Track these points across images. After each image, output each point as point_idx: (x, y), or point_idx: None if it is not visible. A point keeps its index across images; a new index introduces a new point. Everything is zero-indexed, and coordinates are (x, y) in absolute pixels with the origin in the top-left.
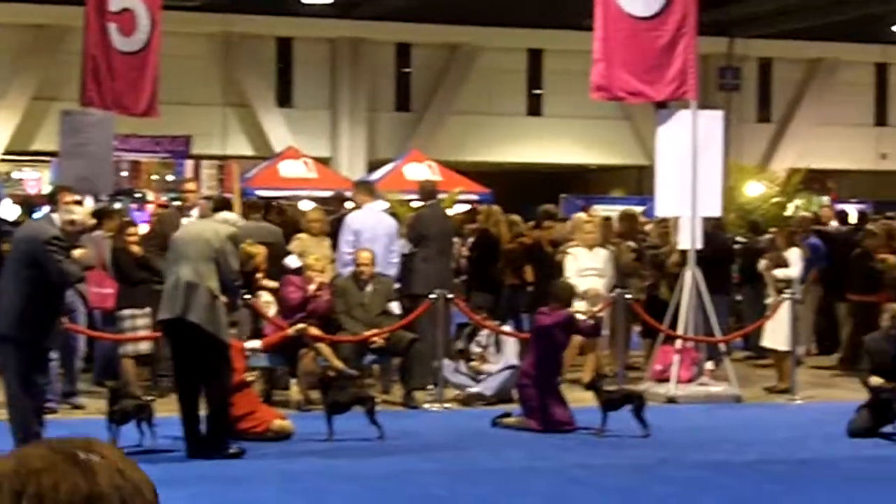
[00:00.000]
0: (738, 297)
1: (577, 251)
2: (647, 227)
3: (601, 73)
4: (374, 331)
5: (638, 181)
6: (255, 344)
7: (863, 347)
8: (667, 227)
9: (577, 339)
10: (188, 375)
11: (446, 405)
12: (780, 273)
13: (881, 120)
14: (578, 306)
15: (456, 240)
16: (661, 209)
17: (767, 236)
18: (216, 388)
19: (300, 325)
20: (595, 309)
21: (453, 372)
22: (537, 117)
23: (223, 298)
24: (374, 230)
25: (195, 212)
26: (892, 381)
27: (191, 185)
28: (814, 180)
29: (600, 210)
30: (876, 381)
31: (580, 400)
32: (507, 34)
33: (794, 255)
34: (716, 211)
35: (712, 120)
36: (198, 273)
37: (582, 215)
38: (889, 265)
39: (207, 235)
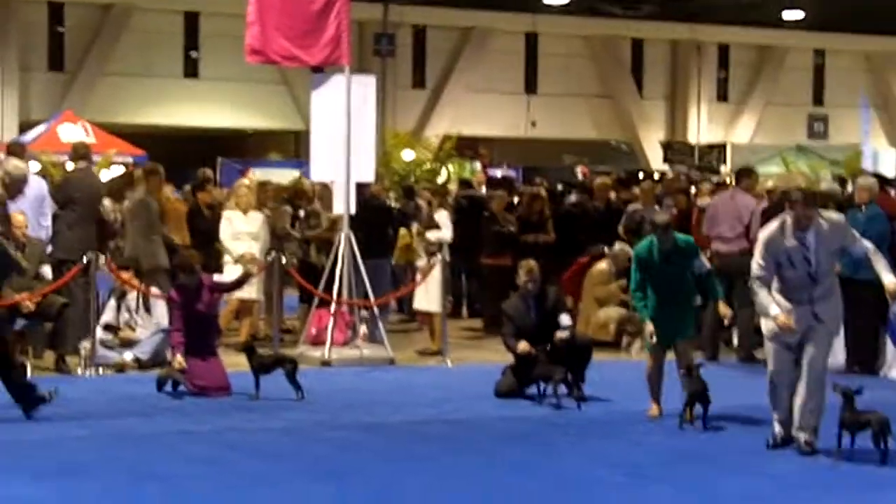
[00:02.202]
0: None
1: (232, 215)
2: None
3: (255, 37)
4: (25, 294)
5: (296, 145)
6: None
7: (502, 312)
8: (329, 192)
9: (233, 304)
10: None
11: (100, 370)
12: (432, 235)
13: (531, 88)
14: (231, 270)
15: (109, 203)
16: (316, 174)
17: (420, 200)
18: None
19: None
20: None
21: (101, 348)
22: (194, 79)
23: None
24: None
25: None
26: (535, 340)
27: None
28: (466, 146)
29: (259, 174)
30: (523, 347)
31: (236, 364)
32: None
33: (444, 218)
34: (369, 176)
35: (365, 85)
36: None
37: (244, 180)
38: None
39: None
